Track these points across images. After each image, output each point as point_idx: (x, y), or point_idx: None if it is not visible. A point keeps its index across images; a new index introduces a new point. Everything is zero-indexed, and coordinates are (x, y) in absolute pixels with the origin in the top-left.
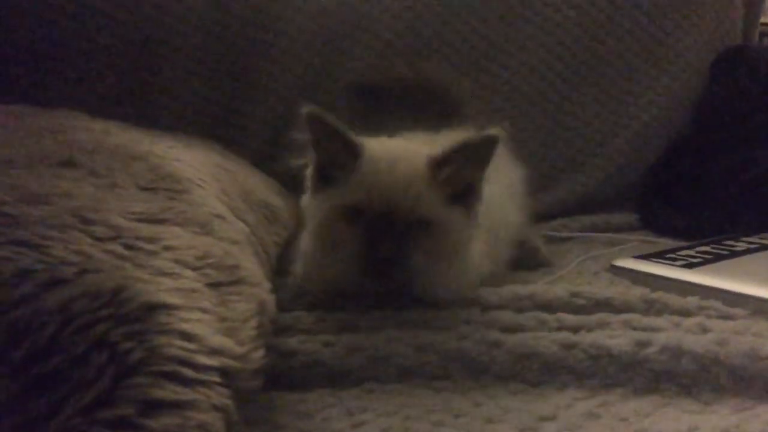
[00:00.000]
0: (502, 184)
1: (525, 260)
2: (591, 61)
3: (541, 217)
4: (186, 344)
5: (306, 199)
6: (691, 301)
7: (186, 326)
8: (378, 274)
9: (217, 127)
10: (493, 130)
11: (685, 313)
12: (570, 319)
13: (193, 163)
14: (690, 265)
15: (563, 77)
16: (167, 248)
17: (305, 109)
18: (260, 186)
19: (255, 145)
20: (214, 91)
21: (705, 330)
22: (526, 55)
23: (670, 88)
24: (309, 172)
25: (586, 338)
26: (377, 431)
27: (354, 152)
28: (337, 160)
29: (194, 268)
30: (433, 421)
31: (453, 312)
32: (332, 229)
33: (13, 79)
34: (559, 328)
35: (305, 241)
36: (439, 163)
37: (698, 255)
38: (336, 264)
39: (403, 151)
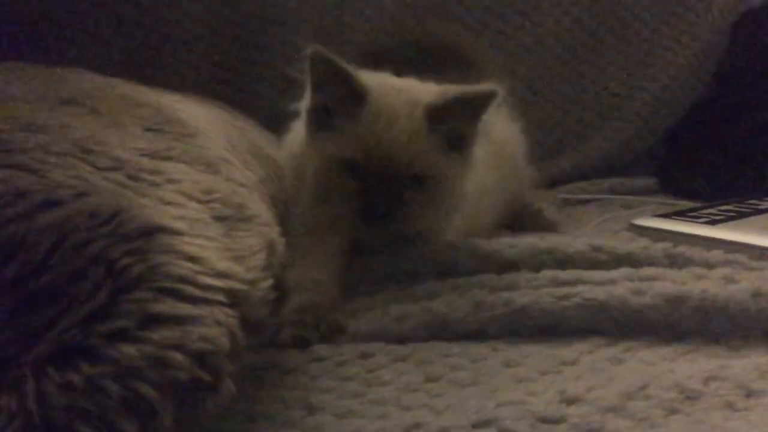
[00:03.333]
0: (493, 142)
1: (527, 224)
2: (609, 21)
3: (558, 180)
4: (190, 265)
5: (290, 140)
6: (716, 254)
7: (190, 249)
8: (373, 226)
9: (225, 90)
10: (493, 85)
11: (710, 266)
12: (590, 277)
13: (200, 115)
14: (713, 222)
15: (580, 39)
16: (171, 181)
17: (310, 48)
18: (269, 144)
19: (264, 108)
20: (222, 54)
21: (732, 281)
22: (542, 15)
23: (690, 49)
24: (304, 115)
25: (612, 300)
26: (392, 375)
27: (358, 97)
28: (339, 104)
29: (200, 201)
30: (450, 365)
31: (466, 279)
32: (329, 179)
33: (18, 43)
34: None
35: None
36: (436, 112)
37: (721, 213)
38: (333, 212)
39: (403, 100)
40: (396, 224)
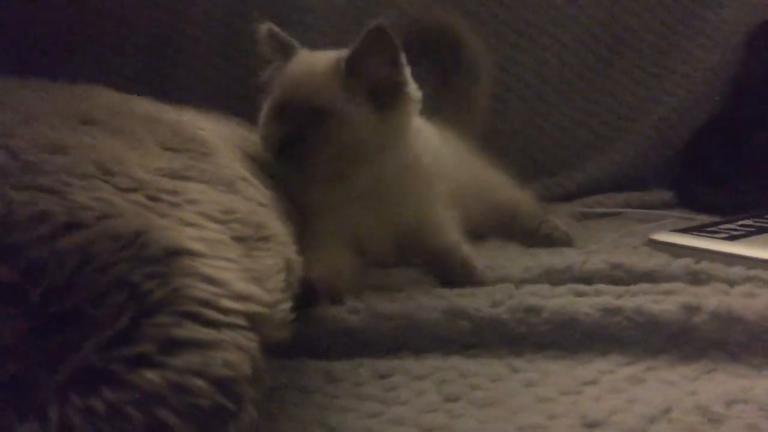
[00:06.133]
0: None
1: (542, 240)
2: (624, 34)
3: (573, 193)
4: (211, 288)
5: None
6: (737, 271)
7: (211, 271)
8: (278, 154)
9: (241, 104)
10: (377, 20)
11: (732, 282)
12: (610, 289)
13: (217, 132)
14: (732, 238)
15: (595, 51)
16: (191, 202)
17: (264, 26)
18: None
19: None
20: (238, 68)
21: (755, 297)
22: (556, 28)
23: (706, 62)
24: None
25: (629, 303)
26: (410, 394)
27: (290, 56)
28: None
29: (219, 222)
30: (469, 385)
31: (484, 287)
32: (261, 124)
33: (36, 58)
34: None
35: None
36: (352, 63)
37: (740, 228)
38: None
39: (325, 55)
40: (298, 159)
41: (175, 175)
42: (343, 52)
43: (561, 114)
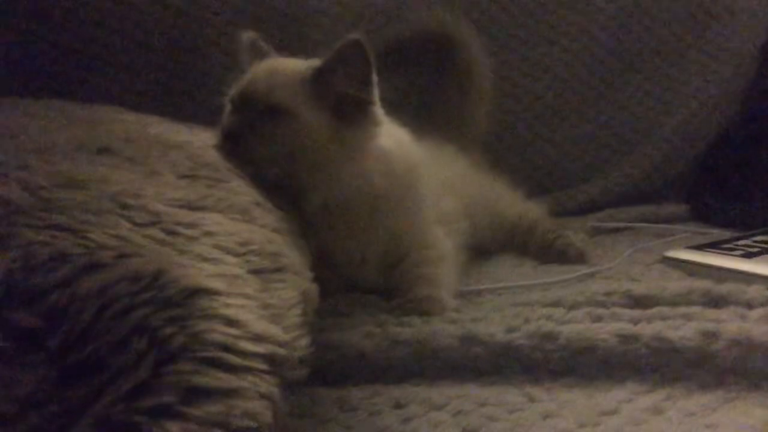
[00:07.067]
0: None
1: (555, 256)
2: (636, 46)
3: (587, 207)
4: (230, 330)
5: None
6: (755, 291)
7: (229, 312)
8: (226, 148)
9: None
10: (354, 33)
11: (750, 305)
12: (627, 314)
13: None
14: (748, 255)
15: (607, 64)
16: (208, 234)
17: (246, 34)
18: None
19: None
20: None
21: None
22: (568, 41)
23: (719, 74)
24: None
25: (646, 330)
26: (427, 426)
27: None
28: None
29: (236, 255)
30: (486, 416)
31: (499, 311)
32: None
33: (52, 76)
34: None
35: None
36: (317, 72)
37: (756, 244)
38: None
39: (297, 60)
40: (245, 152)
41: (191, 206)
42: (315, 62)
43: (573, 127)
